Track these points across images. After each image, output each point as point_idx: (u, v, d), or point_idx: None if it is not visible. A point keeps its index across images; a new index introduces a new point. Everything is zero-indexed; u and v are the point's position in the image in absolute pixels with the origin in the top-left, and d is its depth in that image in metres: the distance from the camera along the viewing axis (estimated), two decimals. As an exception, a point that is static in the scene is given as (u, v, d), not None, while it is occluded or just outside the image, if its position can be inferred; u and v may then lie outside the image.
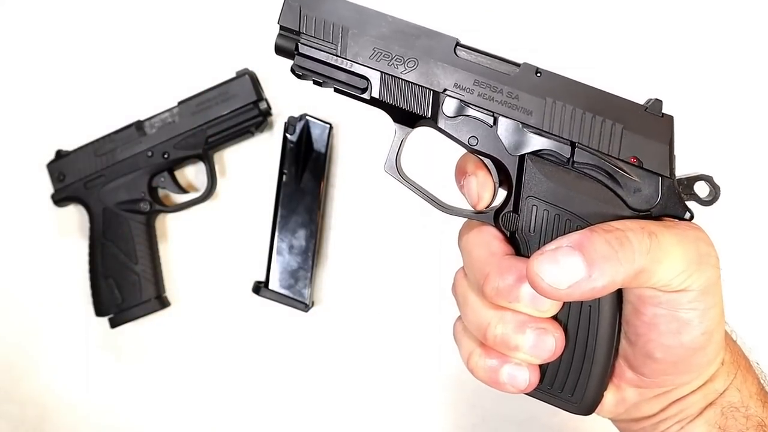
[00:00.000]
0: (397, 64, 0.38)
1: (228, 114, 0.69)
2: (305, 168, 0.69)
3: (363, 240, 0.72)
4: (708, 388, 0.38)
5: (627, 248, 0.33)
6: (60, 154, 0.72)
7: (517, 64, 0.38)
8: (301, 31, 0.39)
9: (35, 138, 0.75)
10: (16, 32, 0.76)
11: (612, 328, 0.38)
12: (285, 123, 0.69)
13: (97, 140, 0.71)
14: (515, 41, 0.70)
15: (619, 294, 0.37)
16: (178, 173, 0.74)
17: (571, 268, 0.33)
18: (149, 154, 0.70)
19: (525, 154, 0.37)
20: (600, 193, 0.37)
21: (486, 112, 0.38)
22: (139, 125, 0.70)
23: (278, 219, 0.69)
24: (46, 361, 0.74)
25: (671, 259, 0.33)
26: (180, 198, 0.73)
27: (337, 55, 0.38)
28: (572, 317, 0.38)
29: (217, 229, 0.74)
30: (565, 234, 0.36)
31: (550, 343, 0.36)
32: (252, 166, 0.74)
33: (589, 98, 0.37)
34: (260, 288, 0.69)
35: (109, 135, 0.71)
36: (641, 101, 0.38)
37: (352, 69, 0.38)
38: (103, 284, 0.70)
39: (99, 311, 0.71)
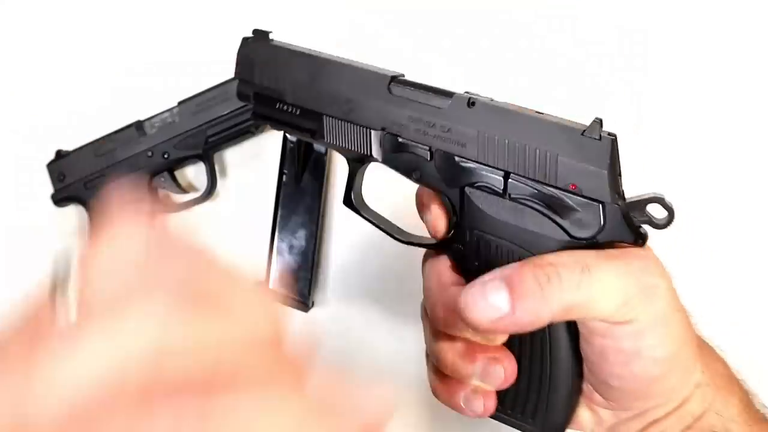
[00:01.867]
0: (336, 107, 0.39)
1: (228, 114, 0.69)
2: (305, 168, 0.69)
3: (363, 240, 0.72)
4: (682, 410, 0.36)
5: (554, 284, 0.32)
6: (60, 154, 0.72)
7: (449, 95, 0.37)
8: (254, 81, 0.41)
9: (35, 138, 0.75)
10: (16, 32, 0.76)
11: (569, 353, 0.37)
12: None
13: (97, 140, 0.71)
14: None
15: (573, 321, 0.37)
16: (178, 173, 0.74)
17: (496, 303, 0.32)
18: (149, 154, 0.70)
19: (463, 186, 0.37)
20: (539, 222, 0.35)
21: (422, 146, 0.38)
22: (139, 125, 0.70)
23: (278, 219, 0.69)
24: (46, 361, 0.74)
25: (609, 291, 0.32)
26: (180, 198, 0.73)
27: (285, 102, 0.40)
28: (525, 344, 0.37)
29: (217, 229, 0.74)
30: (507, 264, 0.35)
31: (499, 372, 0.36)
32: (252, 166, 0.74)
33: (522, 125, 0.35)
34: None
35: (109, 135, 0.71)
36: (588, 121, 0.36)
37: (298, 114, 0.40)
38: (103, 284, 0.70)
39: (99, 311, 0.71)
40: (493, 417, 0.39)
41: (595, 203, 0.34)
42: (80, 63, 0.75)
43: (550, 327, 0.36)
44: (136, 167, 0.70)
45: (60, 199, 0.71)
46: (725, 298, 0.65)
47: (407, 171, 0.39)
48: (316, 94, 0.39)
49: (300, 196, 0.69)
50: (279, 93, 0.40)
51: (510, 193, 0.36)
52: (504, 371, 0.36)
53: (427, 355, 0.42)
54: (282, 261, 0.69)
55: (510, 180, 0.36)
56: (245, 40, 0.42)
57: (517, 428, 0.39)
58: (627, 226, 0.34)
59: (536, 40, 0.71)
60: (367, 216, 0.42)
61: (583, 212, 0.34)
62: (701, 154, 0.69)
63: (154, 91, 0.73)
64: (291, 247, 0.69)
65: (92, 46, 0.75)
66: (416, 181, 0.39)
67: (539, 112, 0.36)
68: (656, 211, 0.35)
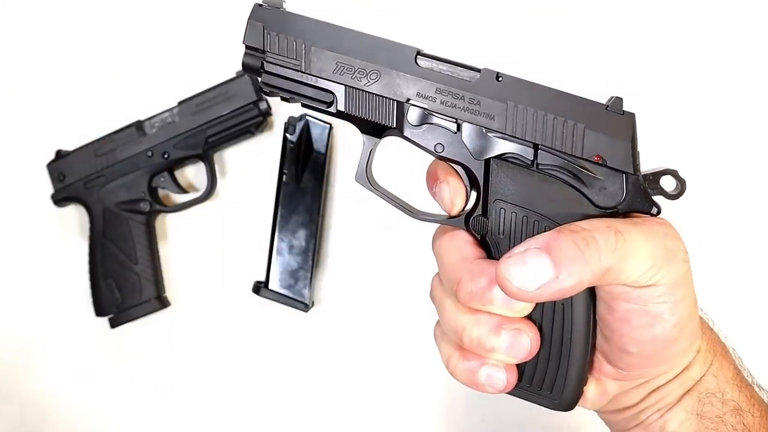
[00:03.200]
0: (360, 77, 0.39)
1: (228, 114, 0.69)
2: (305, 168, 0.69)
3: (363, 240, 0.72)
4: (685, 376, 0.38)
5: (593, 248, 0.33)
6: (60, 154, 0.72)
7: (478, 70, 0.38)
8: (265, 49, 0.40)
9: (35, 138, 0.75)
10: (16, 32, 0.76)
11: (587, 325, 0.38)
12: (285, 123, 0.69)
13: (97, 140, 0.71)
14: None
15: (591, 291, 0.37)
16: (178, 173, 0.74)
17: (538, 270, 0.33)
18: (149, 154, 0.70)
19: (490, 158, 0.38)
20: (566, 193, 0.37)
21: (449, 119, 0.38)
22: (139, 125, 0.70)
23: (278, 219, 0.69)
24: (46, 361, 0.74)
25: (638, 255, 0.34)
26: (180, 198, 0.73)
27: (301, 71, 0.39)
28: (546, 316, 0.38)
29: (217, 229, 0.74)
30: (533, 235, 0.36)
31: (525, 343, 0.37)
32: (252, 166, 0.74)
33: (549, 100, 0.37)
34: (260, 288, 0.69)
35: (109, 135, 0.71)
36: (604, 100, 0.38)
37: (317, 84, 0.39)
38: (103, 284, 0.70)
39: (99, 311, 0.71)
40: (511, 392, 0.39)
41: (618, 173, 0.36)
42: (80, 63, 0.75)
43: (573, 298, 0.37)
44: (137, 167, 0.70)
45: (60, 199, 0.71)
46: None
47: (430, 144, 0.39)
48: (337, 63, 0.39)
49: (300, 196, 0.69)
50: (295, 62, 0.39)
51: (539, 164, 0.37)
52: (530, 342, 0.37)
53: (438, 340, 0.41)
54: (282, 261, 0.69)
55: (539, 151, 0.37)
56: (257, 6, 0.40)
57: (534, 401, 0.39)
58: (645, 196, 0.37)
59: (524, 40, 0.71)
60: (380, 192, 0.41)
61: (607, 182, 0.36)
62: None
63: (154, 91, 0.73)
64: (291, 247, 0.69)
65: (92, 46, 0.75)
66: (437, 154, 0.39)
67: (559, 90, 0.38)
68: (668, 183, 0.37)
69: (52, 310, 0.74)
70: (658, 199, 0.37)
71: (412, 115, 0.38)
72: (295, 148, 0.69)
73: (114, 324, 0.70)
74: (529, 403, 0.40)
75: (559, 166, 0.37)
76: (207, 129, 0.69)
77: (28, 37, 0.76)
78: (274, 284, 0.69)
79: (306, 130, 0.69)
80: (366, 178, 0.41)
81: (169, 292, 0.73)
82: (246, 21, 0.41)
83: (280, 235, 0.69)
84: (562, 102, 0.37)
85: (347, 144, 0.72)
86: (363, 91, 0.39)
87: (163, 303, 0.71)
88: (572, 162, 0.37)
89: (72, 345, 0.74)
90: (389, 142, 0.42)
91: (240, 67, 0.70)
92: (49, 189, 0.72)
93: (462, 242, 0.39)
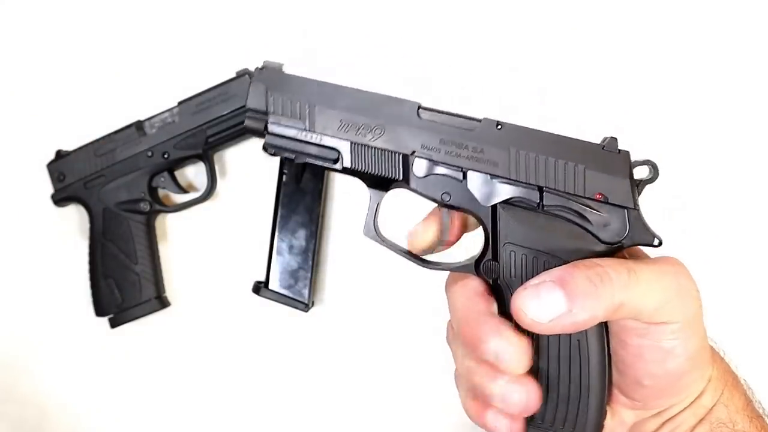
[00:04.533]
0: (365, 133, 0.40)
1: (228, 114, 0.69)
2: (305, 168, 0.69)
3: (363, 240, 0.72)
4: (697, 404, 0.39)
5: (607, 284, 0.34)
6: (60, 154, 0.72)
7: (478, 120, 0.39)
8: (268, 111, 0.40)
9: (35, 138, 0.75)
10: (16, 32, 0.76)
11: (602, 359, 0.39)
12: None
13: (97, 140, 0.71)
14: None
15: (605, 326, 0.39)
16: (178, 173, 0.74)
17: (552, 303, 0.35)
18: (149, 154, 0.70)
19: (497, 203, 0.39)
20: (572, 231, 0.38)
21: (454, 168, 0.39)
22: (139, 125, 0.70)
23: (278, 219, 0.69)
24: (46, 361, 0.74)
25: (651, 293, 0.35)
26: (180, 198, 0.73)
27: (305, 131, 0.40)
28: (563, 353, 0.39)
29: (217, 229, 0.74)
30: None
31: (515, 399, 0.37)
32: (252, 166, 0.74)
33: (549, 144, 0.39)
34: (260, 288, 0.69)
35: (109, 135, 0.71)
36: (597, 140, 0.40)
37: (321, 142, 0.40)
38: (103, 284, 0.70)
39: (99, 311, 0.71)
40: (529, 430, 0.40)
41: (620, 209, 0.38)
42: (80, 63, 0.75)
43: (587, 333, 0.38)
44: (137, 167, 0.70)
45: (60, 199, 0.71)
46: (726, 301, 0.65)
47: (437, 193, 0.40)
48: (341, 121, 0.40)
49: (300, 196, 0.69)
50: (299, 122, 0.40)
51: (544, 206, 0.38)
52: (521, 397, 0.37)
53: (456, 377, 0.43)
54: (282, 261, 0.69)
55: (544, 194, 0.38)
56: (258, 71, 0.41)
57: None
58: (646, 229, 0.38)
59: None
60: (388, 245, 0.43)
61: (611, 218, 0.38)
62: (682, 161, 0.69)
63: (154, 91, 0.73)
64: (291, 247, 0.69)
65: (92, 46, 0.75)
66: (444, 203, 0.40)
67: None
68: (642, 172, 0.39)
69: (52, 310, 0.74)
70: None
71: (418, 166, 0.39)
72: None
73: (114, 324, 0.70)
74: None
75: (564, 206, 0.38)
76: (207, 129, 0.69)
77: (28, 37, 0.76)
78: (274, 284, 0.69)
79: None
80: (374, 231, 0.42)
81: (169, 292, 0.73)
82: (249, 85, 0.41)
83: (280, 235, 0.69)
84: (561, 145, 0.39)
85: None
86: (368, 146, 0.40)
87: (163, 303, 0.71)
88: (576, 201, 0.38)
89: (72, 345, 0.74)
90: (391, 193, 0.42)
91: (239, 67, 0.71)
92: (49, 189, 0.72)
93: (471, 292, 0.40)
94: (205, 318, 0.73)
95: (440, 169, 0.39)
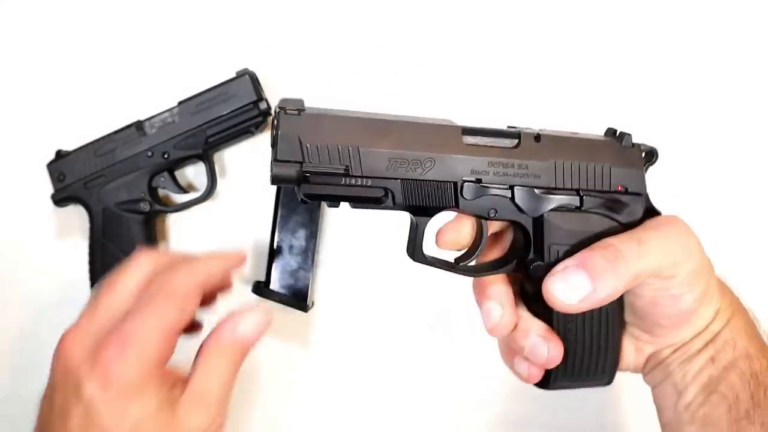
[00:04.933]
0: (414, 168, 0.39)
1: (228, 114, 0.69)
2: None
3: (364, 240, 0.72)
4: (706, 331, 0.45)
5: (620, 259, 0.39)
6: (60, 154, 0.72)
7: (515, 135, 0.41)
8: (303, 158, 0.37)
9: (35, 138, 0.75)
10: (16, 32, 0.76)
11: (618, 317, 0.45)
12: None
13: (97, 140, 0.71)
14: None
15: None
16: (178, 173, 0.74)
17: (578, 284, 0.39)
18: (149, 154, 0.70)
19: (543, 213, 0.41)
20: (605, 223, 0.42)
21: (503, 187, 0.40)
22: (139, 125, 0.70)
23: (278, 219, 0.69)
24: (47, 361, 0.74)
25: (661, 257, 0.40)
26: (180, 198, 0.73)
27: (350, 175, 0.37)
28: (587, 316, 0.43)
29: (217, 229, 0.74)
30: None
31: (542, 352, 0.43)
32: (252, 166, 0.74)
33: (581, 149, 0.42)
34: (260, 288, 0.69)
35: (109, 135, 0.71)
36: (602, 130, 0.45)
37: (368, 184, 0.38)
38: (103, 284, 0.70)
39: (99, 311, 0.70)
40: (568, 388, 0.46)
41: (638, 196, 0.43)
42: (80, 63, 0.75)
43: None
44: (136, 167, 0.70)
45: (60, 199, 0.71)
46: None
47: (483, 211, 0.41)
48: (389, 160, 0.38)
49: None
50: (342, 167, 0.37)
51: (583, 207, 0.42)
52: (550, 352, 0.43)
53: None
54: (282, 261, 0.69)
55: (584, 197, 0.42)
56: (282, 114, 0.37)
57: (583, 386, 0.46)
58: (653, 208, 0.43)
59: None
60: (437, 263, 0.43)
61: (632, 205, 0.43)
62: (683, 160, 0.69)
63: (154, 91, 0.73)
64: (291, 247, 0.69)
65: (92, 46, 0.75)
66: (490, 218, 0.41)
67: (573, 132, 0.43)
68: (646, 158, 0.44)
69: (52, 310, 0.74)
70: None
71: (468, 190, 0.40)
72: None
73: (114, 324, 0.70)
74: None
75: (598, 204, 0.42)
76: (207, 129, 0.69)
77: (28, 37, 0.76)
78: (274, 284, 0.69)
79: None
80: (422, 255, 0.42)
81: (169, 292, 0.73)
82: (274, 134, 0.37)
83: (280, 235, 0.69)
84: (589, 148, 0.43)
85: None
86: (420, 180, 0.39)
87: (163, 303, 0.71)
88: (608, 198, 0.42)
89: (72, 345, 0.74)
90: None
91: (239, 67, 0.71)
92: (49, 189, 0.72)
93: (506, 290, 0.45)
94: (204, 318, 0.73)
95: (489, 190, 0.40)
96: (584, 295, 0.39)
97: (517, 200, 0.41)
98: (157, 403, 0.40)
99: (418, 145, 0.38)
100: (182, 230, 0.74)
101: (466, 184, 0.40)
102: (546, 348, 0.43)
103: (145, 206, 0.70)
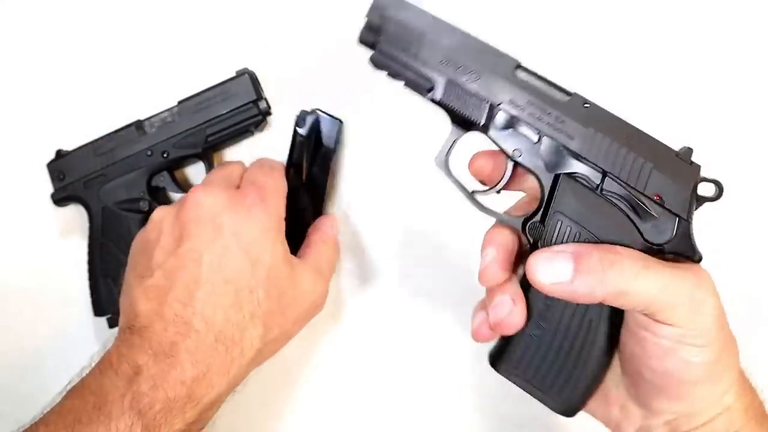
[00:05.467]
0: (462, 74, 0.42)
1: (227, 113, 0.69)
2: (313, 163, 0.69)
3: (363, 239, 0.72)
4: (709, 427, 0.40)
5: (616, 270, 0.37)
6: (60, 154, 0.72)
7: (569, 93, 0.41)
8: (383, 28, 0.43)
9: (35, 138, 0.75)
10: (16, 32, 0.76)
11: (607, 342, 0.41)
12: (296, 116, 0.69)
13: (97, 140, 0.71)
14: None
15: (620, 316, 0.40)
16: (178, 173, 0.74)
17: (559, 270, 0.38)
18: (149, 153, 0.70)
19: (561, 173, 0.40)
20: (621, 221, 0.40)
21: (533, 129, 0.41)
22: (138, 125, 0.70)
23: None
24: (46, 361, 0.74)
25: (660, 293, 0.36)
26: (180, 197, 0.73)
27: (410, 56, 0.43)
28: (574, 324, 0.41)
29: (217, 229, 0.73)
30: None
31: (502, 310, 0.42)
32: (252, 165, 0.74)
33: (627, 135, 0.40)
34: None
35: (109, 134, 0.71)
36: (679, 145, 0.41)
37: (421, 70, 0.42)
38: (102, 284, 0.70)
39: (98, 311, 0.70)
40: (517, 383, 0.43)
41: (672, 216, 0.39)
42: (80, 63, 0.75)
43: (602, 314, 0.40)
44: (136, 166, 0.70)
45: (60, 198, 0.71)
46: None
47: (509, 148, 0.42)
48: (443, 56, 0.42)
49: (303, 190, 0.68)
50: (406, 47, 0.43)
51: (603, 189, 0.40)
52: (508, 313, 0.41)
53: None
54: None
55: (606, 178, 0.40)
56: None
57: (536, 398, 0.43)
58: (690, 243, 0.39)
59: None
60: (453, 179, 0.44)
61: (661, 221, 0.39)
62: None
63: (154, 91, 0.73)
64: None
65: (92, 46, 0.75)
66: (514, 159, 0.42)
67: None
68: (707, 190, 0.41)
69: (52, 310, 0.74)
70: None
71: (500, 118, 0.41)
72: (305, 143, 0.68)
73: (113, 324, 0.70)
74: (535, 402, 0.43)
75: (622, 195, 0.40)
76: (206, 128, 0.69)
77: (28, 37, 0.76)
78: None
79: (316, 124, 0.68)
80: (444, 163, 0.44)
81: (169, 292, 0.73)
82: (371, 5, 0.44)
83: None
84: (638, 139, 0.40)
85: (355, 141, 0.72)
86: (462, 87, 0.42)
87: (162, 303, 0.71)
88: (634, 195, 0.39)
89: (72, 345, 0.74)
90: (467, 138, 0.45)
91: (239, 67, 0.71)
92: (49, 189, 0.72)
93: (503, 241, 0.44)
94: (204, 318, 0.73)
95: (520, 127, 0.41)
96: (558, 281, 0.38)
97: (541, 149, 0.41)
98: (284, 254, 0.50)
99: (473, 58, 0.42)
100: (182, 230, 0.74)
101: (501, 111, 0.41)
102: (508, 309, 0.41)
103: (144, 205, 0.70)
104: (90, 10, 0.76)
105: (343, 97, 0.73)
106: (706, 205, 0.40)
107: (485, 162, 0.44)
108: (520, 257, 0.45)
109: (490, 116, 0.41)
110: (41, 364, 0.74)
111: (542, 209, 0.41)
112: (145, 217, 0.71)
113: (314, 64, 0.74)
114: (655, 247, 0.39)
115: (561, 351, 0.41)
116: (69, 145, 0.72)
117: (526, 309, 0.42)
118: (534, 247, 0.42)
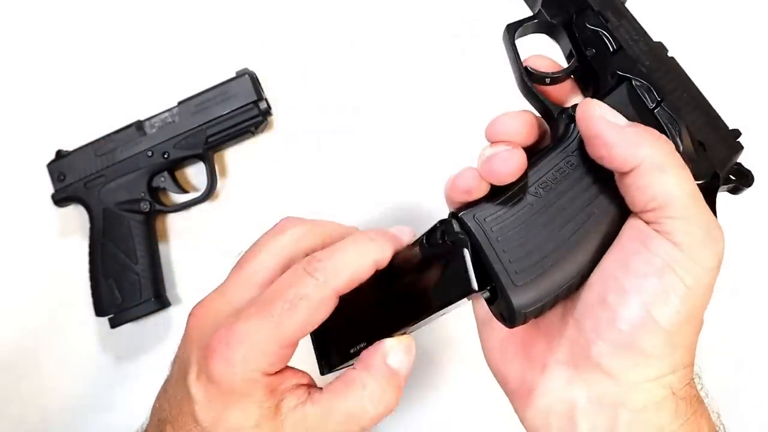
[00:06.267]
0: None
1: (228, 114, 0.69)
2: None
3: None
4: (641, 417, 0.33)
5: (665, 145, 0.34)
6: (60, 154, 0.72)
7: (658, 42, 0.41)
8: None
9: (35, 138, 0.75)
10: (15, 32, 0.76)
11: (599, 243, 0.35)
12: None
13: (97, 140, 0.71)
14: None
15: (622, 222, 0.35)
16: (178, 173, 0.74)
17: (615, 115, 0.35)
18: (149, 153, 0.70)
19: (625, 76, 0.39)
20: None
21: (615, 40, 0.41)
22: (139, 125, 0.70)
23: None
24: (46, 361, 0.74)
25: (686, 197, 0.32)
26: (180, 198, 0.73)
27: None
28: (577, 204, 0.35)
29: (217, 229, 0.74)
30: None
31: (501, 157, 0.35)
32: (252, 166, 0.74)
33: (692, 88, 0.39)
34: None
35: (109, 135, 0.71)
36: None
37: None
38: (103, 284, 0.70)
39: (99, 311, 0.70)
40: (480, 239, 0.35)
41: (711, 167, 0.36)
42: (80, 63, 0.75)
43: (603, 206, 0.35)
44: (137, 167, 0.70)
45: (60, 199, 0.71)
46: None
47: (586, 44, 0.41)
48: None
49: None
50: None
51: (661, 107, 0.38)
52: (503, 149, 0.35)
53: None
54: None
55: (660, 107, 0.38)
56: None
57: (494, 271, 0.34)
58: (710, 200, 0.35)
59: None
60: (512, 50, 0.43)
61: (695, 159, 0.36)
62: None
63: (154, 91, 0.73)
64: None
65: (92, 46, 0.75)
66: (585, 56, 0.41)
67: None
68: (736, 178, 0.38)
69: (52, 310, 0.74)
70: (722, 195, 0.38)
71: (593, 18, 0.42)
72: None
73: (114, 324, 0.70)
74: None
75: (675, 121, 0.37)
76: (207, 129, 0.69)
77: (28, 37, 0.76)
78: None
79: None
80: (513, 31, 0.43)
81: (169, 292, 0.73)
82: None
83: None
84: (699, 98, 0.39)
85: (357, 141, 0.72)
86: None
87: (163, 303, 0.71)
88: (684, 125, 0.37)
89: (72, 345, 0.74)
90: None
91: (239, 67, 0.71)
92: (49, 189, 0.72)
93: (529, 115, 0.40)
94: (205, 318, 0.73)
95: (605, 33, 0.41)
96: (611, 119, 0.34)
97: (614, 57, 0.40)
98: (258, 416, 0.36)
99: None
100: (182, 230, 0.74)
101: (594, 14, 0.42)
102: (506, 150, 0.35)
103: (145, 206, 0.70)
104: (90, 10, 0.75)
105: (343, 97, 0.73)
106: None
107: (544, 62, 0.41)
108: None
109: (584, 15, 0.42)
110: (41, 364, 0.74)
111: (598, 81, 0.40)
112: (146, 217, 0.71)
113: (314, 64, 0.74)
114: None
115: (547, 230, 0.34)
116: (69, 145, 0.72)
117: (526, 160, 0.36)
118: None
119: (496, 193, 0.36)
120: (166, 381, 0.42)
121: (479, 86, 0.72)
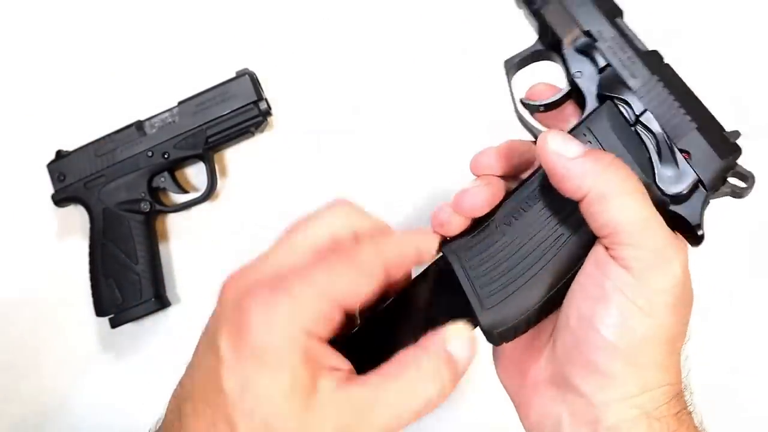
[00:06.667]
0: None
1: (228, 114, 0.69)
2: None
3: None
4: (591, 414, 0.33)
5: (616, 175, 0.34)
6: (60, 154, 0.72)
7: (649, 51, 0.42)
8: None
9: (35, 138, 0.75)
10: (16, 32, 0.76)
11: (568, 265, 0.36)
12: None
13: (97, 140, 0.71)
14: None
15: (589, 247, 0.36)
16: (178, 173, 0.74)
17: (569, 147, 0.35)
18: (149, 154, 0.70)
19: (606, 95, 0.40)
20: (640, 155, 0.38)
21: (603, 59, 0.42)
22: (139, 125, 0.70)
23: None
24: (47, 361, 0.74)
25: (636, 221, 0.33)
26: (180, 198, 0.73)
27: None
28: (547, 230, 0.38)
29: (217, 229, 0.74)
30: None
31: (471, 194, 0.38)
32: (252, 166, 0.74)
33: (686, 94, 0.39)
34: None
35: (109, 135, 0.71)
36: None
37: None
38: (103, 284, 0.70)
39: (99, 311, 0.71)
40: (457, 273, 0.38)
41: (694, 175, 0.37)
42: (80, 63, 0.75)
43: (570, 230, 0.37)
44: (137, 167, 0.70)
45: (60, 199, 0.71)
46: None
47: (574, 68, 0.43)
48: None
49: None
50: None
51: (639, 121, 0.39)
52: (472, 196, 0.38)
53: None
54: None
55: (646, 113, 0.39)
56: None
57: (467, 299, 0.37)
58: (700, 213, 0.37)
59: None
60: (510, 83, 0.45)
61: (680, 174, 0.37)
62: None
63: (154, 91, 0.73)
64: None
65: (92, 46, 0.75)
66: (573, 79, 0.42)
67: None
68: (737, 181, 0.38)
69: (52, 310, 0.74)
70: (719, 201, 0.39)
71: (581, 42, 0.43)
72: None
73: (114, 324, 0.70)
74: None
75: (654, 133, 0.38)
76: (207, 129, 0.69)
77: (28, 37, 0.76)
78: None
79: None
80: (513, 66, 0.45)
81: (170, 292, 0.73)
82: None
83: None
84: (694, 104, 0.39)
85: (356, 142, 0.72)
86: (566, 8, 0.44)
87: (163, 303, 0.71)
88: (665, 139, 0.38)
89: (72, 345, 0.74)
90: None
91: (239, 67, 0.71)
92: (50, 189, 0.72)
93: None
94: (205, 318, 0.72)
95: (593, 54, 0.42)
96: (563, 153, 0.35)
97: (601, 76, 0.41)
98: (289, 386, 0.31)
99: None
100: (182, 230, 0.74)
101: (585, 37, 0.42)
102: (476, 185, 0.37)
103: (145, 206, 0.70)
104: (90, 10, 0.75)
105: (343, 97, 0.73)
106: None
107: (544, 88, 0.43)
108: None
109: (575, 38, 0.43)
110: (41, 364, 0.74)
111: (574, 128, 0.41)
112: (146, 217, 0.71)
113: (314, 64, 0.74)
114: (660, 196, 0.37)
115: (516, 256, 0.37)
116: (69, 146, 0.72)
117: (498, 193, 0.38)
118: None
119: (475, 225, 0.39)
120: (188, 365, 0.39)
121: (479, 86, 0.72)
